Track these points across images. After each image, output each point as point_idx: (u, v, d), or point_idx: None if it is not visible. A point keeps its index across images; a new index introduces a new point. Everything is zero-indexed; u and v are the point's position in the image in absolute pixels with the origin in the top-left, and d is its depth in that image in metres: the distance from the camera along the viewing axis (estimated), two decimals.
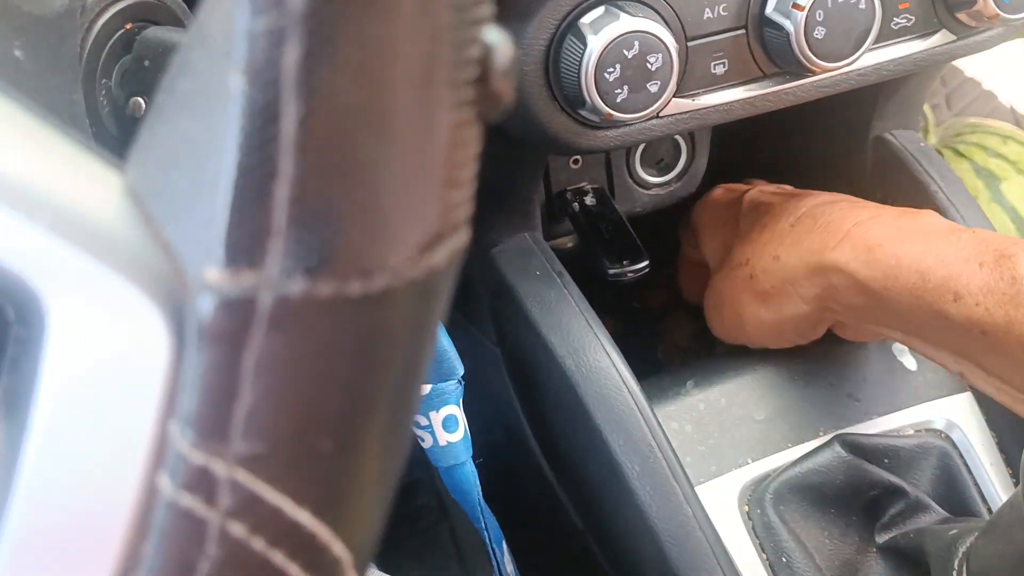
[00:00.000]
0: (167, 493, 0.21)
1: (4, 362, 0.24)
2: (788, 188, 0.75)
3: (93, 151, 0.25)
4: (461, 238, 0.23)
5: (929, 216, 0.63)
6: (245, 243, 0.20)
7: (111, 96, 0.48)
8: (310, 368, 0.21)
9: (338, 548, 0.23)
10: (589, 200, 0.75)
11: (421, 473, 1.11)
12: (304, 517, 0.22)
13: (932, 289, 0.58)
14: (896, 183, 0.75)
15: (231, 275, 0.20)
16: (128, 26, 0.49)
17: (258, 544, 0.22)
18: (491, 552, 0.67)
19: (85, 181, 0.23)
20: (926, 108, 1.23)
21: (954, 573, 0.54)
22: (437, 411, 0.61)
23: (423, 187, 0.21)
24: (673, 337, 0.87)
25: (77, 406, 0.22)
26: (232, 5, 0.19)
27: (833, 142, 0.80)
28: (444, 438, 0.62)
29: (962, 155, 1.19)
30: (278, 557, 0.22)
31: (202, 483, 0.21)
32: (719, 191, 0.78)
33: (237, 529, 0.22)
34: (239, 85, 0.19)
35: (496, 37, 0.22)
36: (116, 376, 0.22)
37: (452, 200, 0.22)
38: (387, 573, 0.59)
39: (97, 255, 0.22)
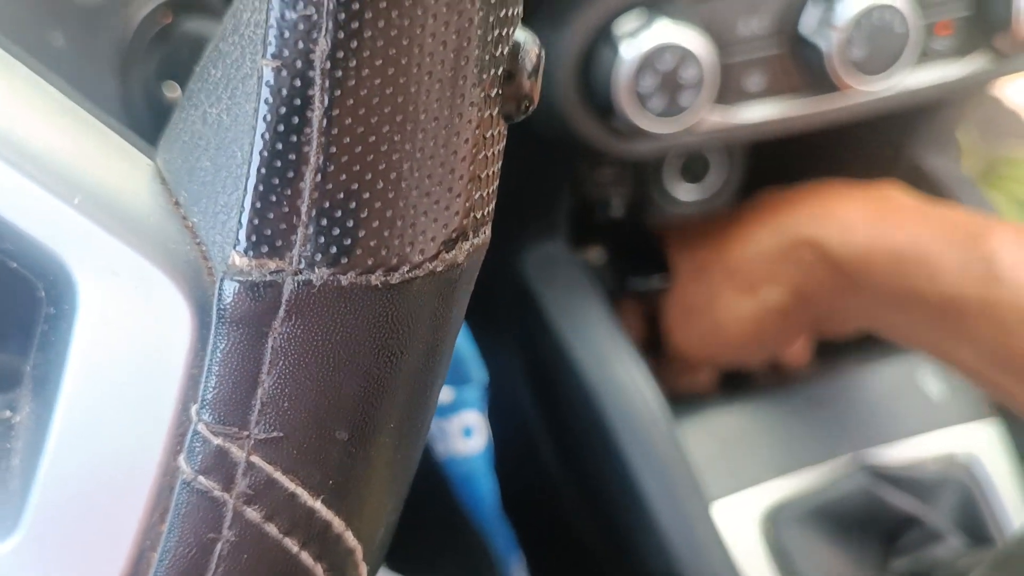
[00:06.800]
0: (186, 474, 0.22)
1: (35, 339, 0.24)
2: None
3: (126, 135, 0.25)
4: (484, 236, 0.23)
5: (895, 192, 0.64)
6: (271, 229, 0.20)
7: (147, 86, 0.49)
8: (328, 354, 0.21)
9: (351, 539, 0.23)
10: (617, 211, 0.75)
11: (428, 485, 1.11)
12: (319, 505, 0.22)
13: (906, 268, 0.58)
14: None
15: (255, 260, 0.20)
16: (168, 19, 0.49)
17: (273, 529, 0.22)
18: (501, 564, 0.67)
19: (117, 164, 0.23)
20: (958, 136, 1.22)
21: None
22: (456, 416, 0.61)
23: (447, 183, 0.21)
24: None
25: (102, 386, 0.22)
26: None
27: (864, 167, 0.80)
28: (463, 446, 0.62)
29: (994, 187, 1.19)
30: (292, 544, 0.22)
31: (220, 466, 0.21)
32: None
33: (252, 514, 0.22)
34: (270, 73, 0.20)
35: (526, 37, 0.22)
36: (140, 358, 0.22)
37: (476, 197, 0.22)
38: None
39: (125, 238, 0.22)
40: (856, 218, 0.62)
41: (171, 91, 0.50)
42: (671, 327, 0.71)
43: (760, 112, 0.61)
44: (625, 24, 0.57)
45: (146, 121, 0.49)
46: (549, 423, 0.72)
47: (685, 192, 0.78)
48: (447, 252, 0.21)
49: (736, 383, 0.74)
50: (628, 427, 0.63)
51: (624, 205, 0.76)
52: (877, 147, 0.78)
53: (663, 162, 0.77)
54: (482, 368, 0.59)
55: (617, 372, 0.64)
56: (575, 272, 0.70)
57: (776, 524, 0.66)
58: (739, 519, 0.66)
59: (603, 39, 0.57)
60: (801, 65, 0.61)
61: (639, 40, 0.56)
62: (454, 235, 0.21)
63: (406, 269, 0.21)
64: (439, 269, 0.21)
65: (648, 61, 0.56)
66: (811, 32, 0.59)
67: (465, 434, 0.61)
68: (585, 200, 0.77)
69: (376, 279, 0.20)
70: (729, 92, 0.60)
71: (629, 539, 0.66)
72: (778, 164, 0.77)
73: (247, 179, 0.20)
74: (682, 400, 0.70)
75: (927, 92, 0.64)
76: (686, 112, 0.57)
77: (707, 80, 0.57)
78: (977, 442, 0.71)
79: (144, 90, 0.49)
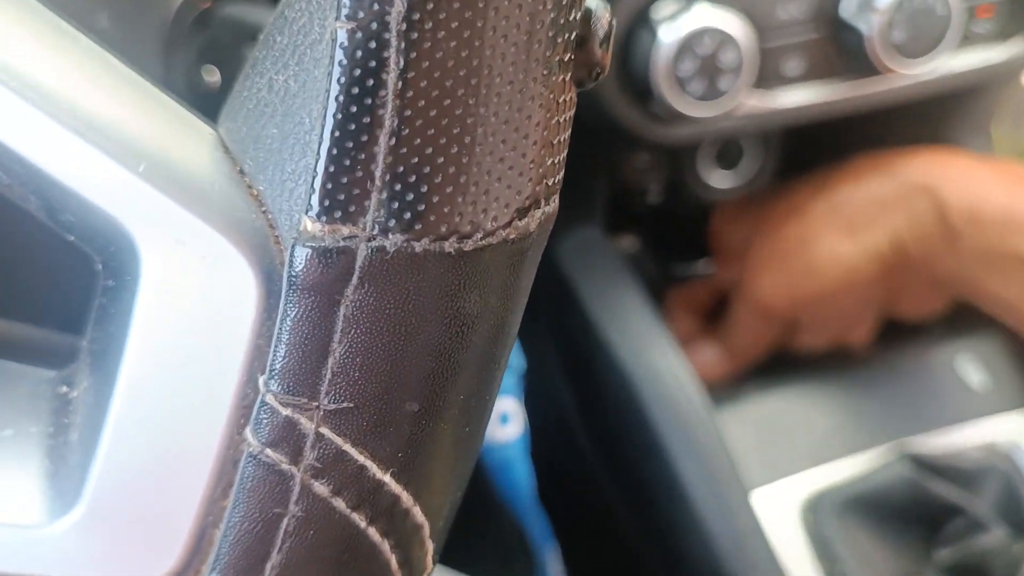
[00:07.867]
0: (252, 447, 0.21)
1: (92, 313, 0.24)
2: None
3: (185, 106, 0.25)
4: (554, 204, 0.22)
5: (1010, 163, 0.65)
6: (344, 194, 0.20)
7: (188, 70, 0.49)
8: (401, 323, 0.20)
9: (419, 515, 0.23)
10: (654, 197, 0.74)
11: None
12: (388, 479, 0.22)
13: (1015, 229, 0.60)
14: None
15: (328, 226, 0.20)
16: (207, 3, 0.49)
17: (340, 504, 0.22)
18: (536, 554, 0.67)
19: (180, 133, 0.23)
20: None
21: None
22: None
23: (521, 148, 0.20)
24: None
25: (165, 359, 0.22)
26: None
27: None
28: (499, 433, 0.62)
29: None
30: (360, 519, 0.22)
31: (288, 438, 0.21)
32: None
33: (320, 488, 0.21)
34: (344, 35, 0.19)
35: (598, 3, 0.21)
36: (205, 329, 0.22)
37: (548, 164, 0.21)
38: None
39: (190, 207, 0.21)
40: (975, 173, 0.63)
41: (210, 75, 0.49)
42: (757, 272, 0.70)
43: (799, 96, 0.60)
44: (663, 8, 0.56)
45: (186, 101, 0.49)
46: (585, 411, 0.71)
47: (719, 179, 0.77)
48: (520, 220, 0.21)
49: (776, 370, 0.73)
50: (666, 415, 0.62)
51: (660, 192, 0.75)
52: (912, 134, 0.77)
53: (698, 149, 0.76)
54: (519, 355, 0.58)
55: (655, 359, 0.64)
56: (611, 259, 0.70)
57: (816, 513, 0.65)
58: (779, 508, 0.65)
59: (641, 23, 0.56)
60: (841, 49, 0.60)
61: (678, 24, 0.55)
62: (527, 202, 0.21)
63: (479, 236, 0.20)
64: (512, 237, 0.21)
65: (687, 45, 0.55)
66: (852, 15, 0.59)
67: (502, 421, 0.61)
68: (621, 187, 0.76)
69: (450, 246, 0.20)
70: (768, 76, 0.59)
71: (668, 528, 0.65)
72: (812, 152, 0.76)
73: (320, 143, 0.19)
74: (719, 388, 0.70)
75: (968, 76, 0.63)
76: (725, 96, 0.56)
77: (746, 64, 0.56)
78: (1019, 431, 0.70)
79: (185, 74, 0.49)
